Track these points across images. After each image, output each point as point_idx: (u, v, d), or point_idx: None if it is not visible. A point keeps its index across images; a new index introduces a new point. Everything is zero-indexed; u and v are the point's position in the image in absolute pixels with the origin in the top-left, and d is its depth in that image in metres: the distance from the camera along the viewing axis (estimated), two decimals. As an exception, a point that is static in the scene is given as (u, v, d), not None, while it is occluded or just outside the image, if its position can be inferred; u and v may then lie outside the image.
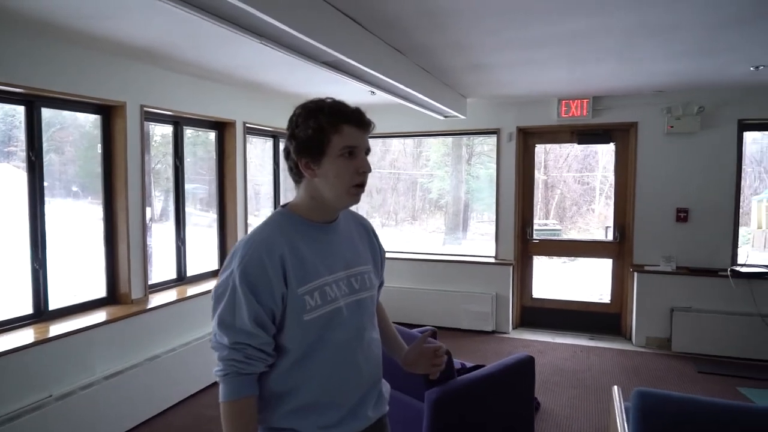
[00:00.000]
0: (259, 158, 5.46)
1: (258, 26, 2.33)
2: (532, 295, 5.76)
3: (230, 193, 4.71)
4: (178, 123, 4.17)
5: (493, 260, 5.67)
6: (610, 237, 5.53)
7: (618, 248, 5.40)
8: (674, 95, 4.94)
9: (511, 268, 5.54)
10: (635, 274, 5.11)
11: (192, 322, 4.02)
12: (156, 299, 3.87)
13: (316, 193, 1.32)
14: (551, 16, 2.78)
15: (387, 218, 9.05)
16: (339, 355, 1.32)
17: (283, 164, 5.84)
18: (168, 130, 4.20)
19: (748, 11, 2.70)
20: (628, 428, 2.27)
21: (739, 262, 4.93)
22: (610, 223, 8.34)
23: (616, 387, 2.78)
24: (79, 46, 3.21)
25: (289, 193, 6.01)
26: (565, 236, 8.14)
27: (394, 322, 1.74)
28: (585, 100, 5.20)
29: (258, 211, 5.47)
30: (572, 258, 7.73)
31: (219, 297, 1.26)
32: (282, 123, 5.21)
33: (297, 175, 1.34)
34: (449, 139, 7.15)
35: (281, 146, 5.64)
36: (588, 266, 8.20)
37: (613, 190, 5.52)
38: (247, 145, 4.85)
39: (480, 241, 8.89)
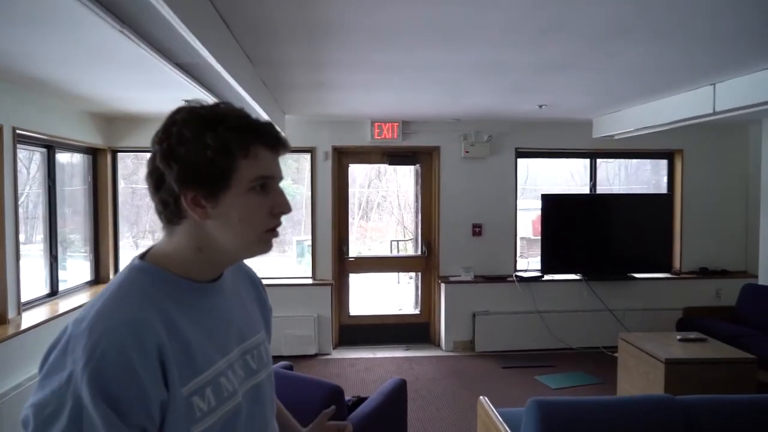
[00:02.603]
0: (23, 174, 4.29)
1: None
2: (349, 313, 5.81)
3: (-6, 218, 3.57)
4: None
5: (311, 281, 5.55)
6: (395, 251, 5.98)
7: (425, 262, 5.84)
8: (469, 124, 5.60)
9: (330, 287, 5.49)
10: (443, 284, 5.60)
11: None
12: None
13: (206, 241, 0.92)
14: (414, 45, 2.85)
15: (143, 237, 8.33)
16: None
17: (69, 183, 4.80)
18: None
19: (572, 57, 3.10)
20: (518, 436, 2.41)
21: (519, 268, 5.83)
22: (394, 236, 9.03)
23: (483, 397, 2.95)
24: None
25: (71, 219, 4.91)
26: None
27: None
28: (395, 124, 5.51)
29: (30, 244, 4.29)
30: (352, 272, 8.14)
31: (45, 422, 0.75)
32: (62, 131, 4.29)
33: (174, 215, 0.91)
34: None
35: (59, 158, 4.57)
36: (370, 279, 8.67)
37: (392, 207, 5.98)
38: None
39: (260, 259, 8.71)
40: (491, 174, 5.69)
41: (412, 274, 7.66)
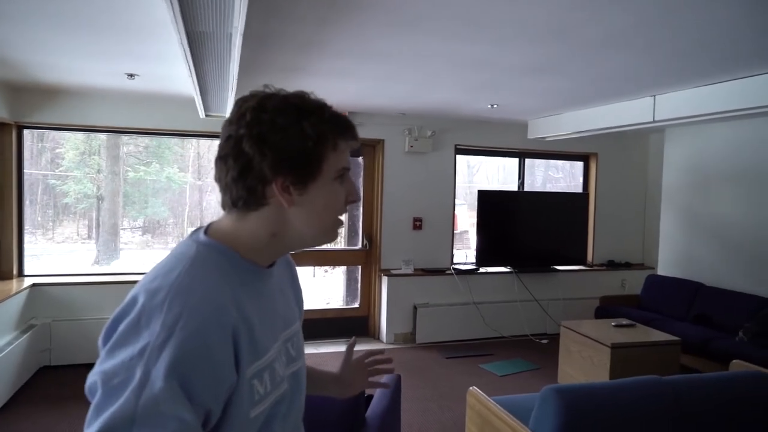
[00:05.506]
0: None
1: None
2: (287, 308, 5.59)
3: None
4: None
5: (249, 275, 5.24)
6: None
7: (367, 255, 5.80)
8: (413, 119, 5.65)
9: (270, 282, 5.24)
10: (385, 278, 5.60)
11: None
12: None
13: (283, 228, 0.92)
14: (424, 33, 2.80)
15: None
16: None
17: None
18: None
19: (559, 61, 3.23)
20: (535, 425, 2.48)
21: (455, 261, 6.03)
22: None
23: (474, 387, 3.03)
24: None
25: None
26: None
27: None
28: (343, 114, 5.38)
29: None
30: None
31: (112, 391, 0.74)
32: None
33: (257, 201, 0.90)
34: (99, 136, 6.91)
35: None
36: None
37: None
38: None
39: (139, 252, 8.26)
40: (432, 169, 5.81)
41: (328, 267, 7.60)
